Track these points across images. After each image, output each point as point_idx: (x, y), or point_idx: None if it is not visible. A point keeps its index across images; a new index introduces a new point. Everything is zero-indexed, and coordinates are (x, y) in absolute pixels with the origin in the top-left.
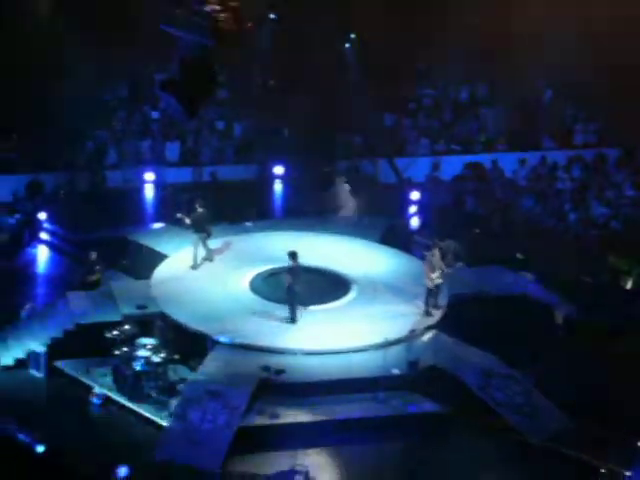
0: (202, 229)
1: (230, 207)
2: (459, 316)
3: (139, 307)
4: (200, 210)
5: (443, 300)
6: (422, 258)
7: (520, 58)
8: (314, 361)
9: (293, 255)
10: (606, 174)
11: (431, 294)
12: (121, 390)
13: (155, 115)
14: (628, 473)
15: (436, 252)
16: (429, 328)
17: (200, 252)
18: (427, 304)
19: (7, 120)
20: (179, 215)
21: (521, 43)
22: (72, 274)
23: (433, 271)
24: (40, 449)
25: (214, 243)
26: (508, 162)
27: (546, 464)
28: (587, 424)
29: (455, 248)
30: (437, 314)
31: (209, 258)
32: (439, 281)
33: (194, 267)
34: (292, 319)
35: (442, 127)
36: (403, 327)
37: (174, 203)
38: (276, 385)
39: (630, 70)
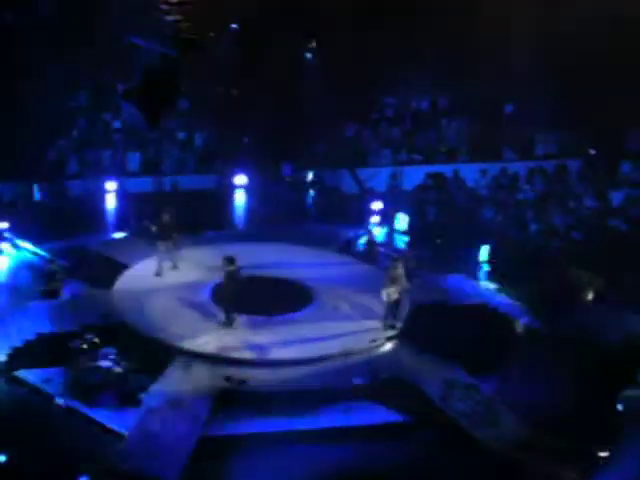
0: (168, 236)
1: (191, 217)
2: (421, 326)
3: (101, 316)
4: (166, 217)
5: (401, 316)
6: (385, 269)
7: (484, 65)
8: (276, 371)
9: (230, 260)
10: (567, 184)
11: (389, 309)
12: (82, 399)
13: (117, 124)
14: None
15: (398, 266)
16: (390, 338)
17: (166, 260)
18: (385, 319)
19: None
20: (146, 223)
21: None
22: (32, 284)
23: (392, 285)
24: (1, 458)
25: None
26: (469, 172)
27: (505, 474)
28: (547, 434)
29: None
30: (396, 329)
31: (175, 266)
32: (396, 296)
33: (158, 274)
34: (228, 323)
35: (403, 137)
36: (364, 337)
37: (137, 213)
38: (238, 395)
39: (593, 75)
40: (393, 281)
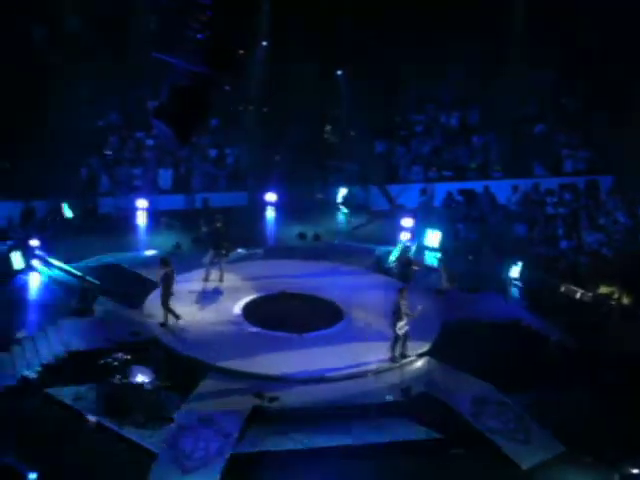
0: (219, 245)
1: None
2: (452, 342)
3: (132, 334)
4: (218, 225)
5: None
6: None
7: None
8: (308, 388)
9: (164, 261)
10: (598, 201)
11: (397, 341)
12: (113, 417)
13: (149, 142)
14: None
15: (404, 299)
16: (422, 355)
17: (213, 268)
18: (393, 350)
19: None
20: (202, 226)
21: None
22: (64, 301)
23: (400, 319)
24: (32, 477)
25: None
26: (500, 189)
27: None
28: (579, 451)
29: (449, 273)
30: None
31: (221, 279)
32: (406, 328)
33: (205, 279)
34: (164, 324)
35: (433, 153)
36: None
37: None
38: (269, 412)
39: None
40: (400, 316)
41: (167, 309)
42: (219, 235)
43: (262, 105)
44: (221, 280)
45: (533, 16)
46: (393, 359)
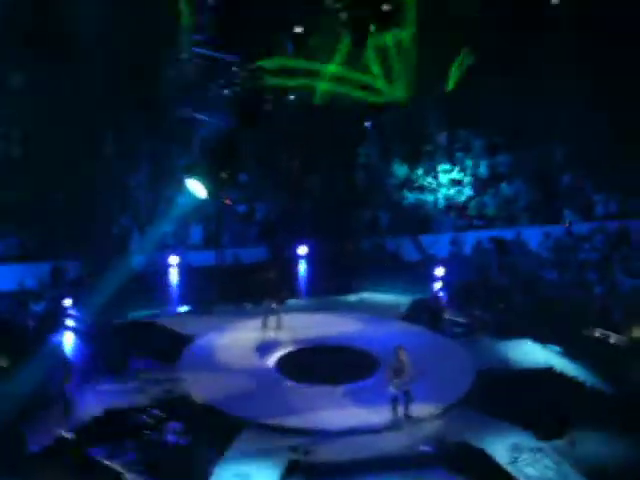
0: (273, 293)
1: (253, 288)
2: (486, 390)
3: (166, 391)
4: (272, 274)
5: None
6: (451, 336)
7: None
8: (343, 441)
9: None
10: (630, 244)
11: (397, 401)
12: (150, 475)
13: (180, 200)
14: None
15: (403, 355)
16: (456, 404)
17: (270, 318)
18: (394, 410)
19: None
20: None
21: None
22: (99, 360)
23: (398, 376)
24: None
25: (239, 321)
26: (530, 236)
27: None
28: None
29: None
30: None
31: (279, 326)
32: (405, 387)
33: (263, 328)
34: None
35: (464, 203)
36: (430, 404)
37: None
38: (306, 466)
39: None
40: (397, 372)
41: None
42: (274, 285)
43: (291, 157)
44: (279, 327)
45: None
46: (394, 423)
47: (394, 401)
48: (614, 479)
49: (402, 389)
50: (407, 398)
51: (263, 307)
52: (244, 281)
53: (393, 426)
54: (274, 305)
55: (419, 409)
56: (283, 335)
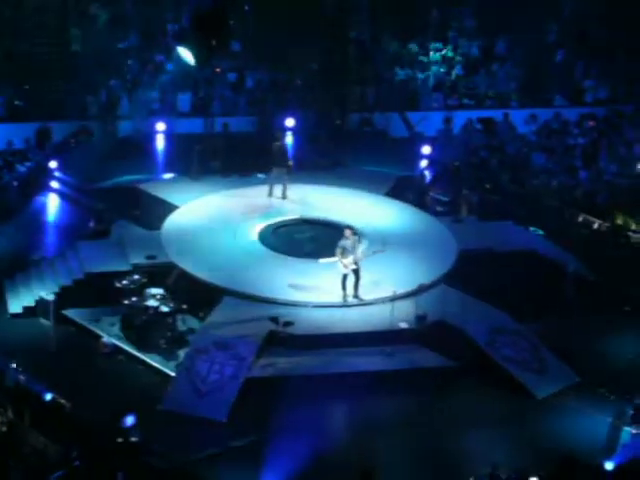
0: (281, 162)
1: (241, 159)
2: (468, 271)
3: (148, 257)
4: (278, 143)
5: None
6: (435, 214)
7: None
8: (322, 314)
9: None
10: (619, 131)
11: (347, 279)
12: (129, 339)
13: (169, 66)
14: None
15: (350, 237)
16: (437, 283)
17: (276, 186)
18: (343, 289)
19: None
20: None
21: None
22: (82, 223)
23: (345, 257)
24: (48, 397)
25: (226, 194)
26: (519, 118)
27: (552, 419)
28: (592, 381)
29: (470, 200)
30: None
31: (284, 195)
32: (353, 267)
33: (270, 195)
34: None
35: (454, 81)
36: (411, 281)
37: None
38: (284, 337)
39: None
40: (343, 252)
41: None
42: (280, 154)
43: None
44: (284, 197)
45: None
46: (344, 299)
47: (343, 280)
48: (590, 363)
49: (350, 269)
50: (356, 277)
51: (270, 176)
52: (236, 150)
53: (343, 299)
54: (281, 174)
55: (401, 286)
56: (267, 207)
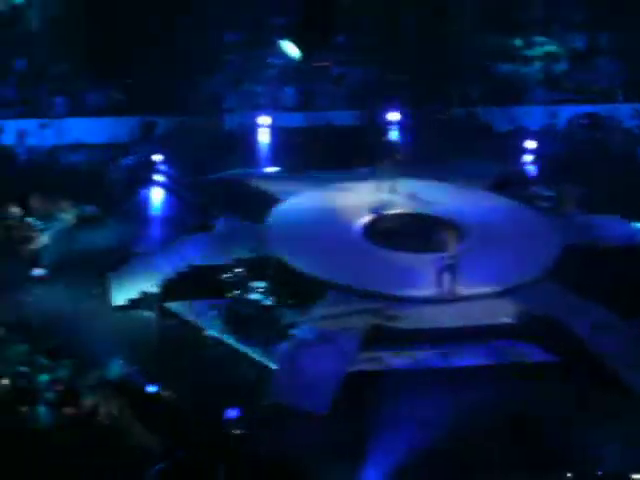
0: (389, 156)
1: (344, 152)
2: (572, 266)
3: (252, 250)
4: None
5: None
6: (538, 209)
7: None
8: (426, 309)
9: None
10: None
11: (441, 275)
12: (232, 332)
13: (273, 60)
14: None
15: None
16: (542, 278)
17: (386, 179)
18: (440, 284)
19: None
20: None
21: None
22: (186, 217)
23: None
24: (152, 389)
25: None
26: (625, 113)
27: None
28: None
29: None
30: None
31: (393, 188)
32: (450, 262)
33: (378, 190)
34: None
35: (559, 76)
36: (515, 276)
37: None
38: (388, 332)
39: None
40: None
41: None
42: (390, 146)
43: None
44: (394, 191)
45: None
46: (441, 294)
47: (444, 275)
48: None
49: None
50: (454, 273)
51: (378, 170)
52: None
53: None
54: (390, 168)
55: (506, 281)
56: (372, 202)
